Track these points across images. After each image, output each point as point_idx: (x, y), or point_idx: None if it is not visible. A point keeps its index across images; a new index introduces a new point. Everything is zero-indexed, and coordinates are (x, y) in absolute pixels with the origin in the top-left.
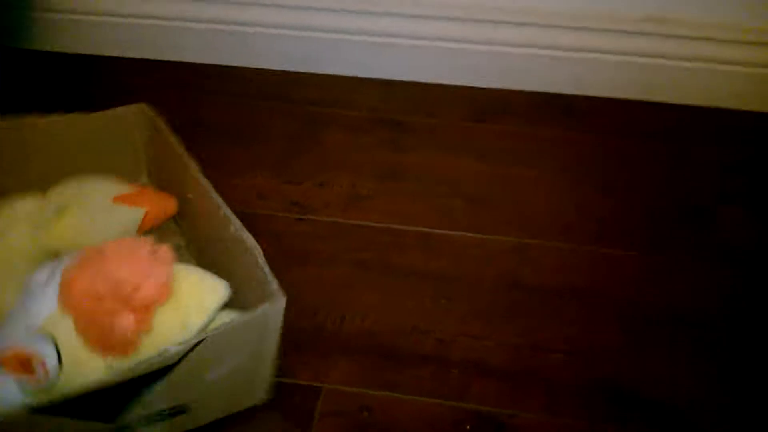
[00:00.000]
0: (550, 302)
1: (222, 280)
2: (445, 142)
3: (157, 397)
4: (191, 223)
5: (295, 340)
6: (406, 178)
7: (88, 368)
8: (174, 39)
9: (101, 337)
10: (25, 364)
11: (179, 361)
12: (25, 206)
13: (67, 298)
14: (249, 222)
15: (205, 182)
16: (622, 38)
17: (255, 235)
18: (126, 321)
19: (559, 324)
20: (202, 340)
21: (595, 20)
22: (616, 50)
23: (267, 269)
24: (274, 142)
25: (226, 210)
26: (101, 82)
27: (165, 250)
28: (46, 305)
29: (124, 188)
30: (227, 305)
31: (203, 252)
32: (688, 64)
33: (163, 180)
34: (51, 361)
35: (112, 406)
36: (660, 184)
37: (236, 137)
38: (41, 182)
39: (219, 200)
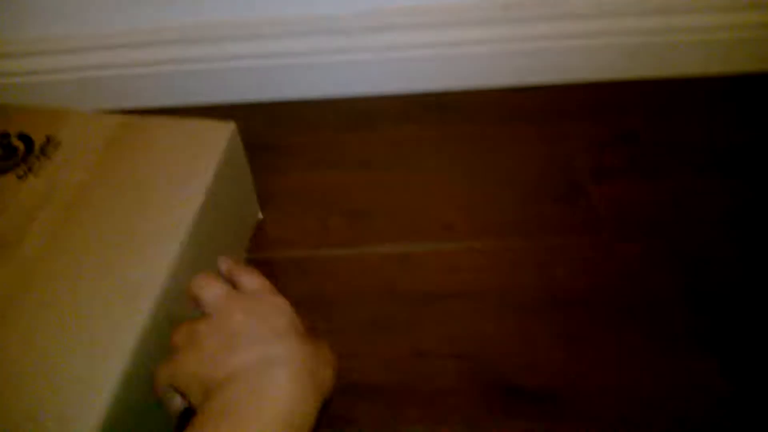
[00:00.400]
0: (434, 308)
1: None
2: (320, 158)
3: None
4: None
5: None
6: (279, 202)
7: None
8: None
9: None
10: None
11: None
12: None
13: None
14: None
15: None
16: (481, 28)
17: None
18: None
19: (442, 329)
20: None
21: (448, 13)
22: (478, 40)
23: None
24: None
25: None
26: None
27: None
28: None
29: None
30: None
31: None
32: (549, 43)
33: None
34: None
35: None
36: (535, 167)
37: None
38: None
39: None
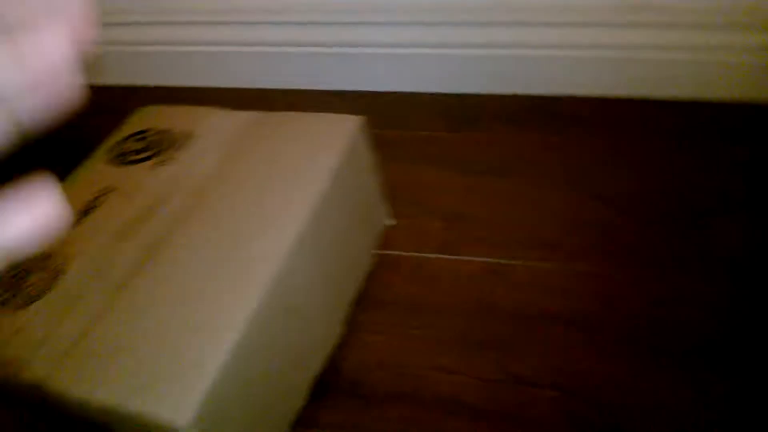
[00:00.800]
0: (530, 329)
1: None
2: (419, 155)
3: None
4: None
5: None
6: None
7: None
8: (141, 64)
9: None
10: None
11: None
12: None
13: None
14: None
15: None
16: (601, 31)
17: None
18: None
19: (538, 353)
20: None
21: (573, 13)
22: (598, 44)
23: None
24: None
25: None
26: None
27: None
28: None
29: None
30: None
31: None
32: (676, 55)
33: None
34: None
35: None
36: (650, 189)
37: None
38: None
39: None
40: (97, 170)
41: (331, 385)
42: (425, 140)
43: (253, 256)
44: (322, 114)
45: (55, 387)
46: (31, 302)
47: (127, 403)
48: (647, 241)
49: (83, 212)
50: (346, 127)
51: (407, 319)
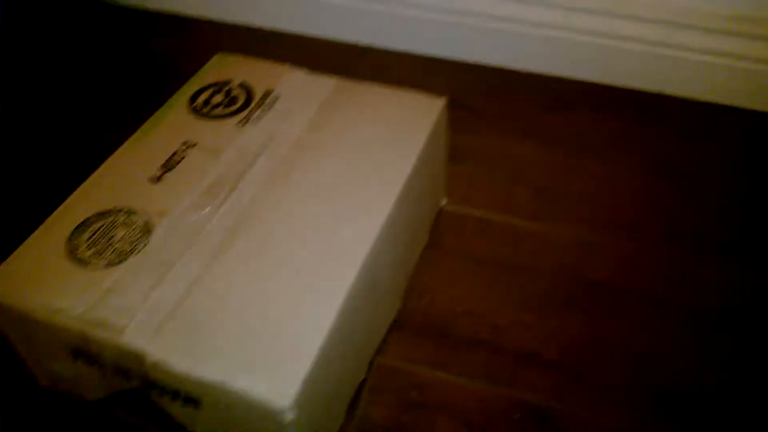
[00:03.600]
0: (611, 300)
1: None
2: (513, 128)
3: None
4: None
5: None
6: (469, 161)
7: None
8: (246, 3)
9: None
10: None
11: None
12: None
13: None
14: None
15: None
16: (709, 37)
17: None
18: None
19: (617, 323)
20: None
21: (683, 15)
22: (704, 49)
23: None
24: None
25: None
26: (176, 42)
27: None
28: None
29: None
30: None
31: None
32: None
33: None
34: None
35: None
36: (740, 190)
37: None
38: None
39: None
40: (177, 120)
41: (420, 325)
42: (517, 114)
43: (346, 236)
44: (405, 92)
45: (155, 356)
46: (121, 261)
47: (230, 381)
48: (728, 227)
49: (165, 166)
50: (432, 110)
51: (494, 275)
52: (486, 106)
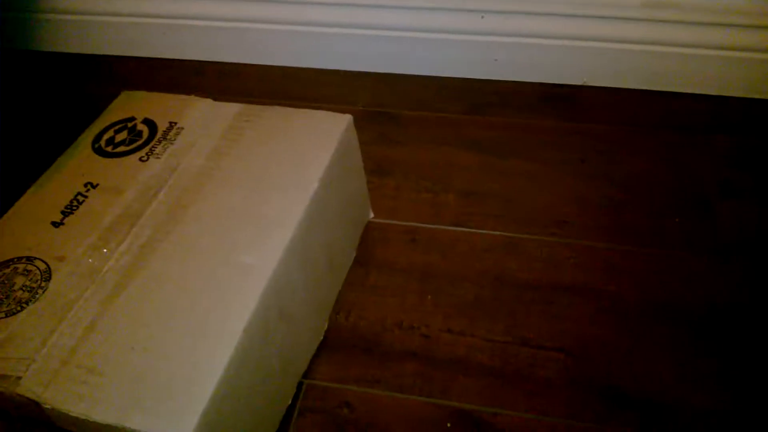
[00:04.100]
0: (541, 299)
1: None
2: (437, 135)
3: None
4: None
5: None
6: (395, 172)
7: None
8: (172, 37)
9: None
10: None
11: None
12: None
13: None
14: None
15: None
16: (622, 25)
17: None
18: None
19: (548, 321)
20: None
21: (595, 7)
22: (618, 38)
23: None
24: None
25: None
26: (100, 81)
27: None
28: None
29: None
30: None
31: None
32: (692, 51)
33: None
34: None
35: None
36: (660, 176)
37: None
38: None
39: None
40: (81, 161)
41: (349, 342)
42: (442, 121)
43: (246, 262)
44: (311, 111)
45: (51, 404)
46: (20, 310)
47: (126, 421)
48: (654, 221)
49: (67, 209)
50: (337, 126)
51: (423, 284)
52: (409, 116)
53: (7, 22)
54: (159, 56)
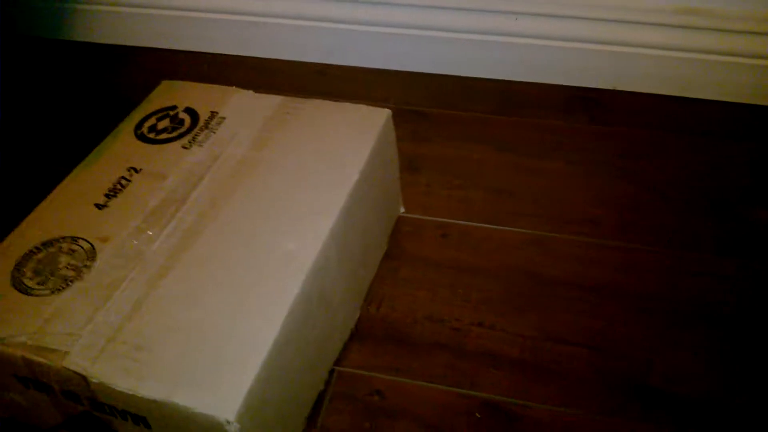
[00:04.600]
0: (570, 295)
1: None
2: (467, 134)
3: None
4: None
5: None
6: (426, 169)
7: None
8: (205, 30)
9: None
10: None
11: None
12: None
13: None
14: None
15: None
16: (655, 31)
17: None
18: None
19: (577, 317)
20: None
21: (628, 12)
22: (650, 44)
23: None
24: None
25: None
26: (133, 72)
27: None
28: None
29: None
30: None
31: None
32: (723, 59)
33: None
34: None
35: None
36: (689, 180)
37: None
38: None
39: None
40: (123, 147)
41: (380, 333)
42: (472, 120)
43: (289, 248)
44: (350, 104)
45: (99, 377)
46: (65, 287)
47: (173, 397)
48: (683, 223)
49: (110, 193)
50: (376, 120)
51: (454, 279)
52: (440, 114)
53: (37, 11)
54: (189, 49)
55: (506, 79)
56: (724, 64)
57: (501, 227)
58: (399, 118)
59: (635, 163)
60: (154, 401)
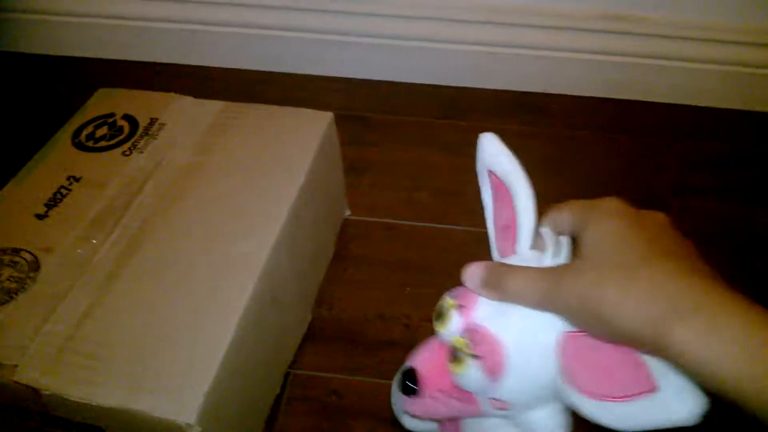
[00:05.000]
0: None
1: None
2: (410, 137)
3: None
4: None
5: None
6: (370, 171)
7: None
8: (143, 39)
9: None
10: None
11: None
12: None
13: None
14: None
15: None
16: (583, 37)
17: None
18: None
19: None
20: None
21: (559, 18)
22: (578, 48)
23: None
24: None
25: None
26: (70, 82)
27: None
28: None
29: None
30: None
31: None
32: (655, 62)
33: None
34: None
35: None
36: (620, 178)
37: None
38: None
39: None
40: (61, 156)
41: (333, 334)
42: (414, 124)
43: (240, 250)
44: (293, 108)
45: (51, 389)
46: (8, 300)
47: (131, 404)
48: None
49: (50, 202)
50: (319, 123)
51: (403, 278)
52: (383, 118)
53: None
54: (126, 58)
55: (444, 84)
56: (649, 66)
57: (446, 226)
58: (342, 124)
59: (565, 162)
60: (111, 409)
